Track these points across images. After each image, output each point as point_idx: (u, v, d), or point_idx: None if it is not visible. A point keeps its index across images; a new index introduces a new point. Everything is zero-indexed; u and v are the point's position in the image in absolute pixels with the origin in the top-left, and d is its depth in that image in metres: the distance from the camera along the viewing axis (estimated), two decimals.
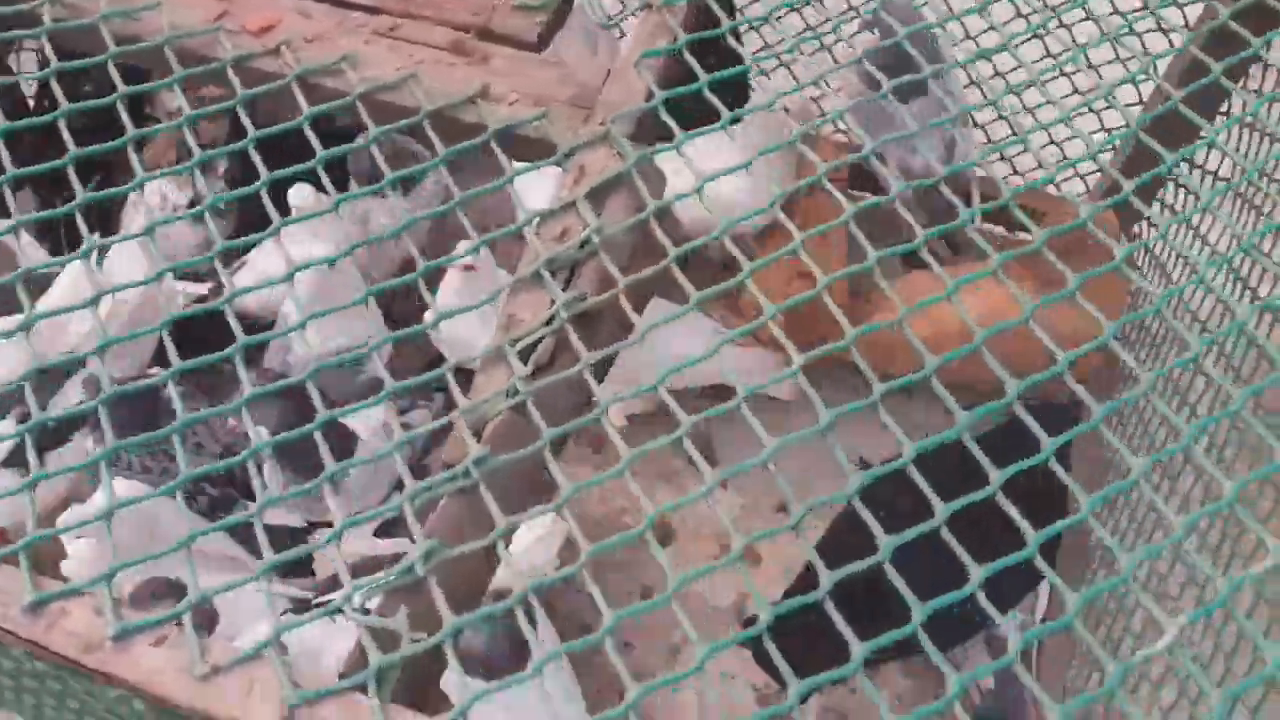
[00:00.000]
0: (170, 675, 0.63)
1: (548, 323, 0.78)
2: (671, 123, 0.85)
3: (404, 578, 0.66)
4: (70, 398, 1.38)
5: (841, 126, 1.85)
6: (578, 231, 0.82)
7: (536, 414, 0.73)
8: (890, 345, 0.77)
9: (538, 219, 0.83)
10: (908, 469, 0.67)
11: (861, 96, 1.59)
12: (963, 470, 0.68)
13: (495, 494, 0.70)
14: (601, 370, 0.78)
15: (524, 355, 0.77)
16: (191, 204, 1.69)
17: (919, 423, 1.14)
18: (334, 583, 1.28)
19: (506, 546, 0.68)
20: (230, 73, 0.88)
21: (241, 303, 0.77)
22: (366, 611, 0.67)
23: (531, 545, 1.39)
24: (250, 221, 1.56)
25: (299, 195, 1.44)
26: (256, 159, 0.83)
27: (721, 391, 1.47)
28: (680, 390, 1.28)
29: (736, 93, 1.07)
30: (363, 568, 1.26)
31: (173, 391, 0.73)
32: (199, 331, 0.83)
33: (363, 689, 0.62)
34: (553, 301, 0.78)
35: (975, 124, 1.82)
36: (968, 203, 0.86)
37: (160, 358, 1.51)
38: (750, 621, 0.73)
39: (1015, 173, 1.85)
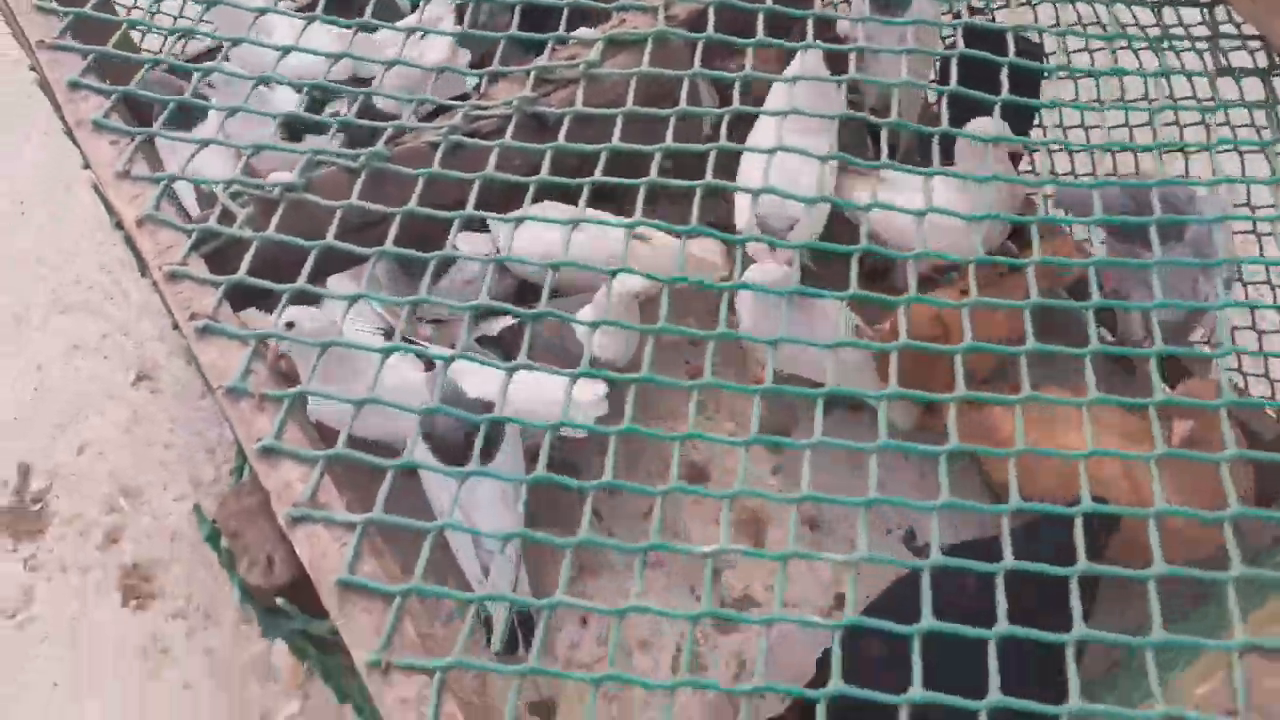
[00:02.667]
0: None
1: (507, 105, 1.01)
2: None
3: (266, 192, 0.94)
4: None
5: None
6: (579, 58, 1.03)
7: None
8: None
9: (558, 42, 1.05)
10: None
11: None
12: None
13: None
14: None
15: (471, 120, 1.01)
16: None
17: None
18: None
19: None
20: None
21: None
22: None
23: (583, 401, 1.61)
24: None
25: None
26: None
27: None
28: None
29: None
30: None
31: None
32: None
33: (189, 234, 0.91)
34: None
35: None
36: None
37: None
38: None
39: None
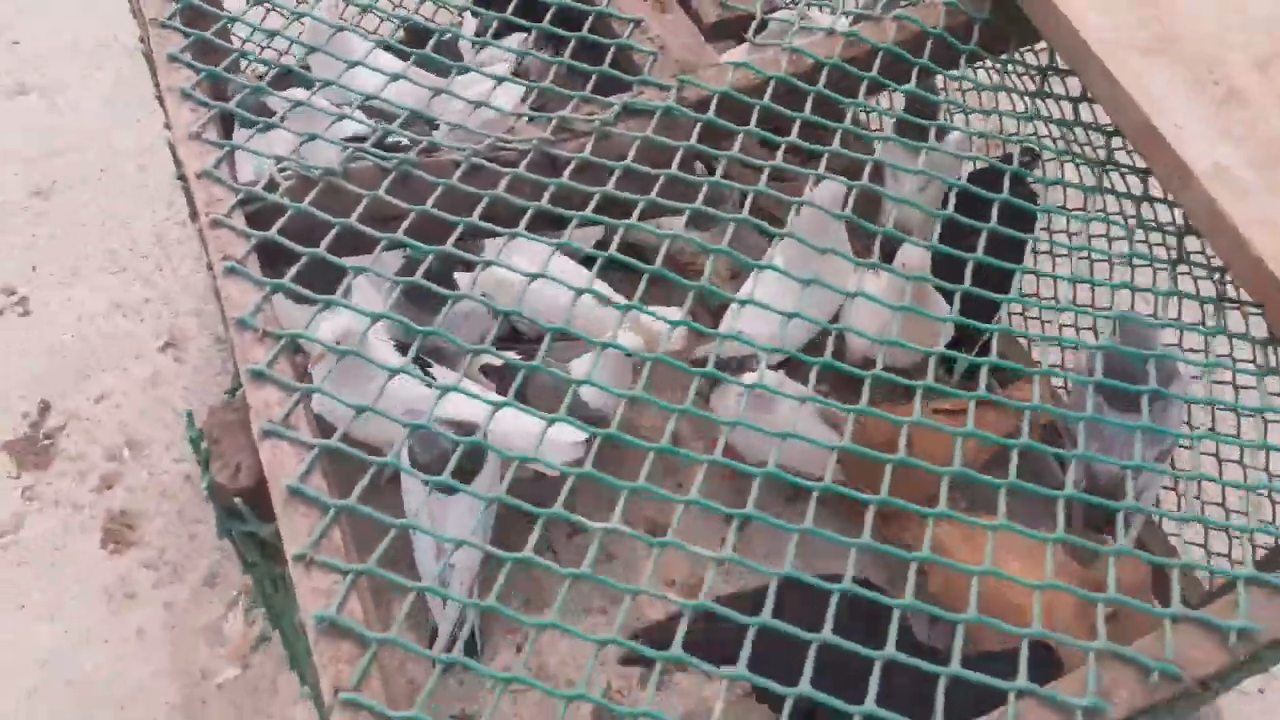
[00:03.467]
0: None
1: (526, 142, 1.20)
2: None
3: (308, 172, 1.13)
4: None
5: None
6: (597, 116, 1.22)
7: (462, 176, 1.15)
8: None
9: (581, 100, 1.24)
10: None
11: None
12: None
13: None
14: None
15: (495, 149, 1.20)
16: None
17: None
18: None
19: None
20: None
21: None
22: None
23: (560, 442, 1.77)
24: None
25: None
26: None
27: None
28: None
29: None
30: None
31: None
32: None
33: (237, 193, 1.10)
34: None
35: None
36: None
37: None
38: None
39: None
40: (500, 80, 1.31)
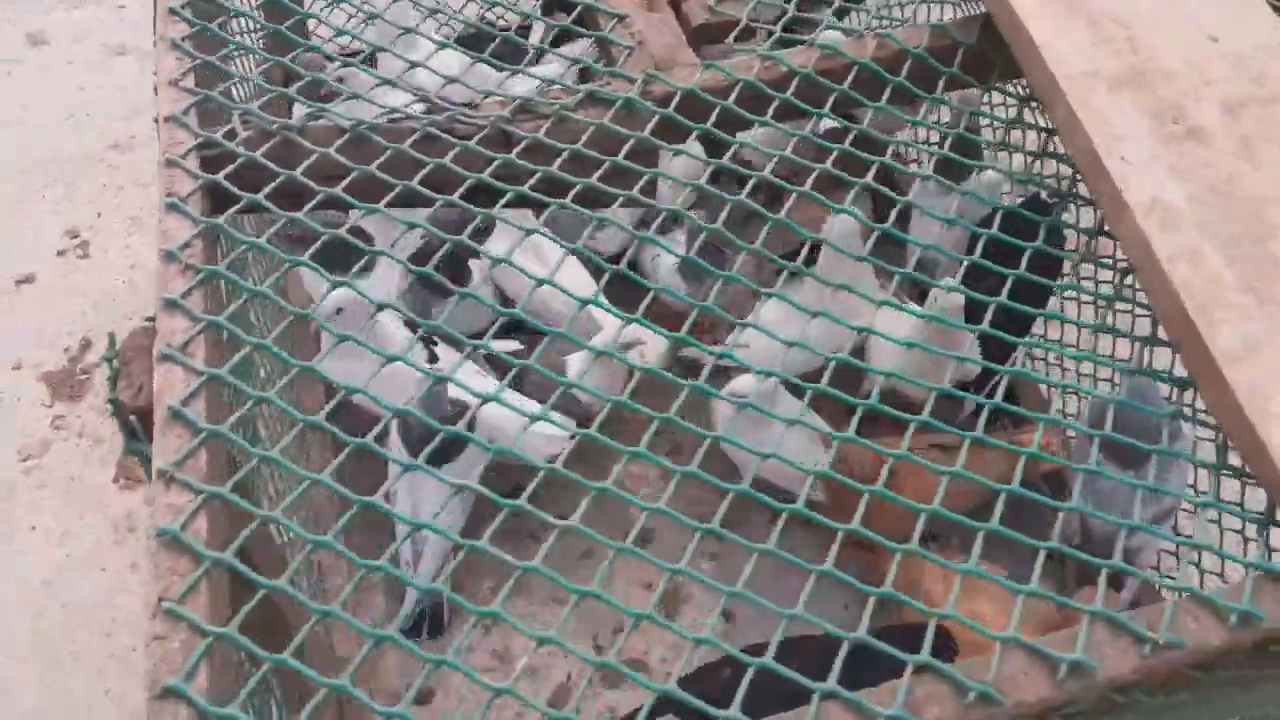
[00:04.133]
0: None
1: (486, 119, 1.23)
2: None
3: (267, 125, 1.18)
4: None
5: None
6: (558, 100, 1.25)
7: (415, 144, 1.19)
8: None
9: (555, 85, 1.27)
10: None
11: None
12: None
13: None
14: None
15: (453, 121, 1.23)
16: None
17: None
18: None
19: None
20: None
21: None
22: None
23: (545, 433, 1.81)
24: None
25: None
26: None
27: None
28: None
29: None
30: None
31: None
32: None
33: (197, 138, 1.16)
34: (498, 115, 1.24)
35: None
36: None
37: None
38: None
39: None
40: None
